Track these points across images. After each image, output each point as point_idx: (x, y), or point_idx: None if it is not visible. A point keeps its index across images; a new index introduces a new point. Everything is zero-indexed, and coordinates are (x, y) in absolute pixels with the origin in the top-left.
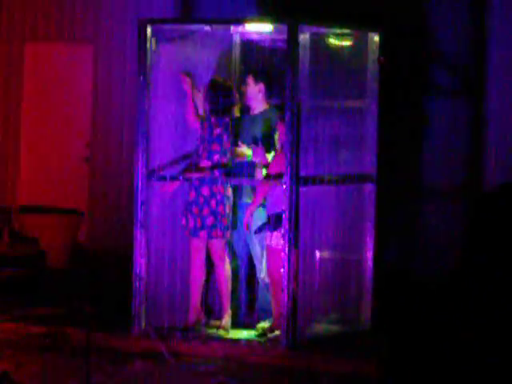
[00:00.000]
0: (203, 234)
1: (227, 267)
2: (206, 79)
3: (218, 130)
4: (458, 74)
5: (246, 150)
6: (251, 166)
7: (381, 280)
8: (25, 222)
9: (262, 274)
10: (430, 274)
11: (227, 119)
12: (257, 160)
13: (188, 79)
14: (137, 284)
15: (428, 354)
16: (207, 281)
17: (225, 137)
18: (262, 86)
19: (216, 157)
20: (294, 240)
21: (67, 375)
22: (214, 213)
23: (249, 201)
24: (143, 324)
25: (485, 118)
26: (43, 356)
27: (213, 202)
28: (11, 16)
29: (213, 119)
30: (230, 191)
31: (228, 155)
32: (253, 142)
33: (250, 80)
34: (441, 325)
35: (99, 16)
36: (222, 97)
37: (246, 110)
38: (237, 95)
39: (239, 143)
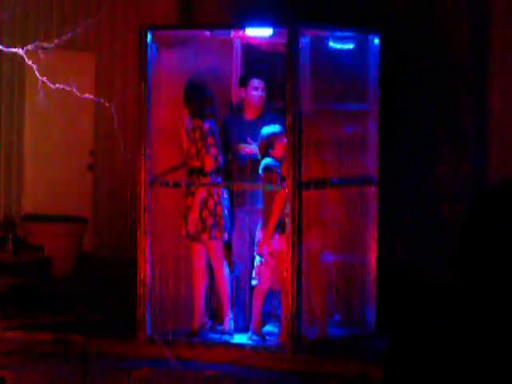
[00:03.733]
0: (203, 236)
1: (226, 270)
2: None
3: (197, 134)
4: (459, 74)
5: (254, 147)
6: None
7: (385, 282)
8: (29, 230)
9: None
10: (436, 275)
11: (208, 122)
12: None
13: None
14: (141, 290)
15: (432, 356)
16: (211, 286)
17: (209, 139)
18: None
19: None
20: (297, 243)
21: (71, 381)
22: (212, 214)
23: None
24: (148, 330)
25: (488, 118)
26: (48, 363)
27: (210, 204)
28: (14, 22)
29: (194, 122)
30: (225, 193)
31: (218, 158)
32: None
33: (262, 84)
34: (445, 326)
35: (101, 23)
36: (198, 98)
37: (241, 112)
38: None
39: (248, 140)
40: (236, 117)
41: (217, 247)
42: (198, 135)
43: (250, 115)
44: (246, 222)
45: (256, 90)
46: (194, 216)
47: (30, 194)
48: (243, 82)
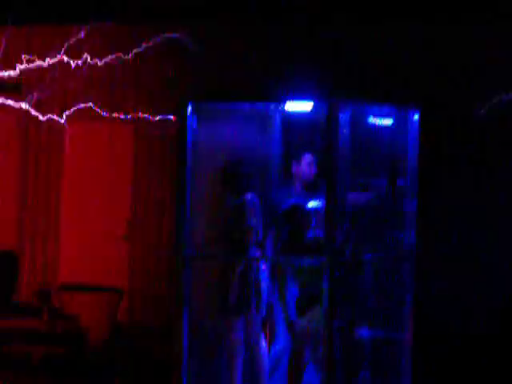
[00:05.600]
0: (242, 309)
1: (264, 345)
2: (244, 157)
3: (237, 206)
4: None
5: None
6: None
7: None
8: (65, 300)
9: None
10: (478, 340)
11: (248, 195)
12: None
13: None
14: (176, 363)
15: None
16: (247, 359)
17: (249, 211)
18: None
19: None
20: (334, 318)
21: None
22: (252, 288)
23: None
24: None
25: None
26: None
27: (249, 277)
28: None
29: (233, 196)
30: (264, 266)
31: (258, 231)
32: None
33: (313, 159)
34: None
35: (140, 95)
36: (236, 176)
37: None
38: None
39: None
40: (284, 192)
41: (255, 321)
42: (238, 208)
43: (299, 190)
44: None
45: (309, 165)
46: (232, 289)
47: (67, 265)
48: (295, 157)
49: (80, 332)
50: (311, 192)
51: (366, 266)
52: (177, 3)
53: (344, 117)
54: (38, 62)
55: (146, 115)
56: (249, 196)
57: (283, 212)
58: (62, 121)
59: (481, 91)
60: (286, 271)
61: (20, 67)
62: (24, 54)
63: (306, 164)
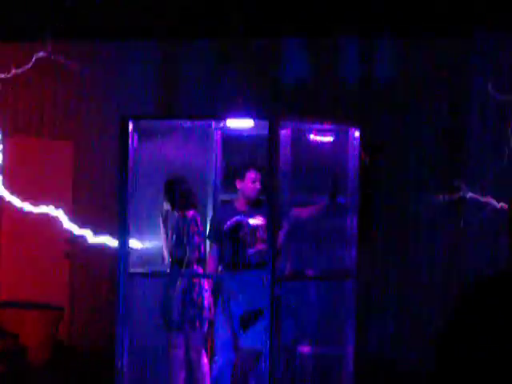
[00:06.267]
0: (184, 326)
1: (206, 361)
2: (185, 173)
3: (180, 223)
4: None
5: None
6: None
7: (364, 373)
8: (4, 317)
9: None
10: (414, 365)
11: (191, 211)
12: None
13: None
14: (119, 380)
15: None
16: (188, 376)
17: (192, 228)
18: None
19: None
20: (275, 336)
21: None
22: (194, 305)
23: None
24: None
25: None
26: None
27: (193, 294)
28: None
29: (176, 213)
30: (207, 283)
31: (200, 248)
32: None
33: (258, 176)
34: None
35: (80, 112)
36: (178, 192)
37: (232, 204)
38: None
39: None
40: (227, 209)
41: (197, 337)
42: (180, 225)
43: (243, 206)
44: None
45: (253, 183)
46: (175, 306)
47: (7, 281)
48: (239, 174)
49: (19, 350)
50: (255, 208)
51: (308, 282)
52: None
53: (285, 133)
54: None
55: None
56: (191, 213)
57: (227, 228)
58: None
59: None
60: (230, 287)
61: None
62: None
63: (249, 180)
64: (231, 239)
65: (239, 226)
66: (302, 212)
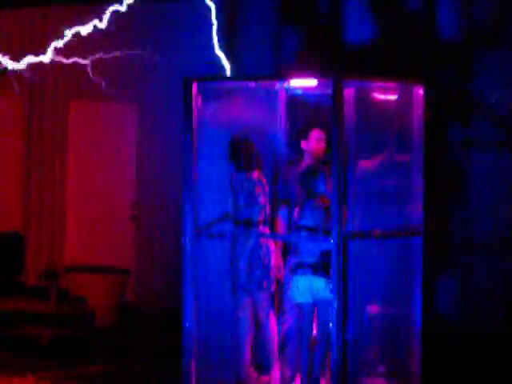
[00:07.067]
0: (251, 286)
1: (273, 321)
2: (250, 135)
3: (245, 184)
4: (502, 125)
5: None
6: None
7: (434, 335)
8: (72, 282)
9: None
10: (482, 330)
11: (255, 172)
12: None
13: None
14: (185, 341)
15: None
16: (256, 336)
17: (257, 189)
18: None
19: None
20: (342, 294)
21: None
22: (260, 265)
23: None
24: (192, 382)
25: None
26: None
27: (260, 254)
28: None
29: (240, 174)
30: (273, 244)
31: (266, 209)
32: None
33: (323, 135)
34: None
35: (144, 74)
36: (243, 152)
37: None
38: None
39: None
40: (293, 169)
41: (264, 298)
42: (245, 186)
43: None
44: None
45: (318, 141)
46: (241, 266)
47: (73, 245)
48: (304, 134)
49: (87, 313)
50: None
51: (375, 240)
52: None
53: (349, 92)
54: None
55: None
56: (256, 173)
57: (303, 170)
58: None
59: None
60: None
61: None
62: None
63: (314, 139)
64: (305, 183)
65: (311, 170)
66: (370, 163)
